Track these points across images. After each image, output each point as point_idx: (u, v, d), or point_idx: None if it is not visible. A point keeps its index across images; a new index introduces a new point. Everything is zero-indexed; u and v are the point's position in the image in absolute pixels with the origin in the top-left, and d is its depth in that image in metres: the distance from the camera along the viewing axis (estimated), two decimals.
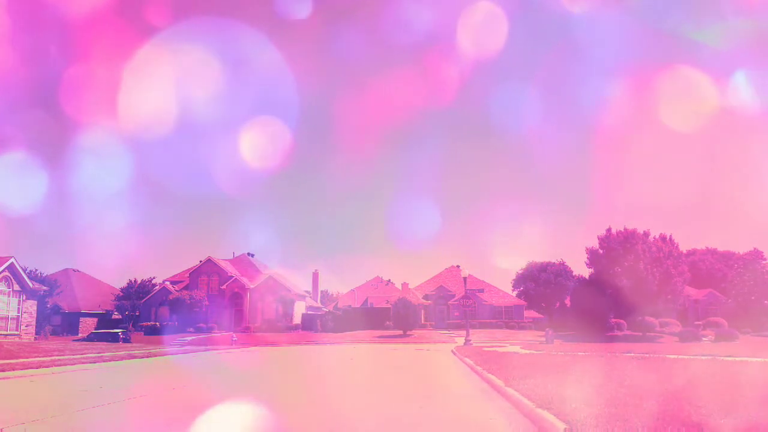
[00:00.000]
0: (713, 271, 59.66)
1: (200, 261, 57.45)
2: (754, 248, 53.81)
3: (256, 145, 41.27)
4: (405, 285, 59.27)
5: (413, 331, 46.75)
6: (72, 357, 20.56)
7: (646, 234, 41.76)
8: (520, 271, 55.83)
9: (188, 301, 50.84)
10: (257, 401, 8.96)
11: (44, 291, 38.87)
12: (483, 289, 58.27)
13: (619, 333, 39.45)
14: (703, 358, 16.54)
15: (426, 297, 58.20)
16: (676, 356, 17.42)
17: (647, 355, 17.79)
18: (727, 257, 61.03)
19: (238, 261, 60.93)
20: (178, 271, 60.60)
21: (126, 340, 38.98)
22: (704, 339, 35.67)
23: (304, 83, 69.36)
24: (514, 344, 30.54)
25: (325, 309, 62.55)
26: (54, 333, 46.64)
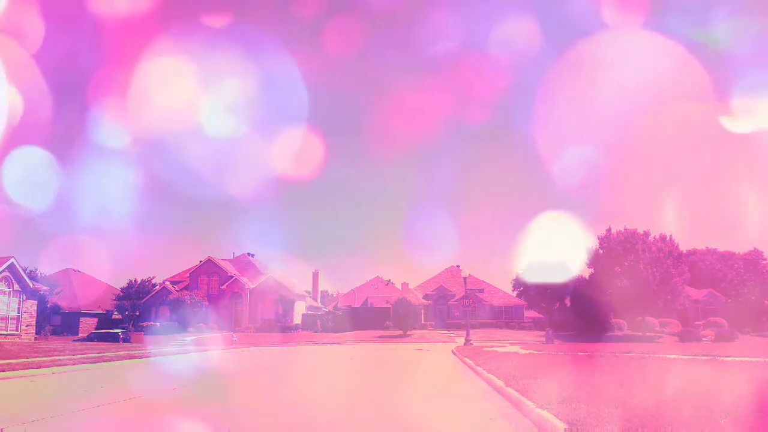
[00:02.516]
0: (713, 271, 59.60)
1: (200, 261, 57.48)
2: (754, 248, 53.79)
3: (256, 145, 41.35)
4: (405, 285, 59.27)
5: (413, 331, 46.75)
6: (72, 357, 20.56)
7: (646, 234, 41.75)
8: (521, 271, 55.74)
9: (188, 301, 50.85)
10: (258, 401, 8.97)
11: (44, 291, 38.87)
12: (483, 289, 58.26)
13: (619, 333, 39.48)
14: (703, 358, 16.53)
15: (426, 297, 58.20)
16: (676, 356, 17.42)
17: (647, 355, 17.79)
18: (727, 257, 60.99)
19: (238, 261, 60.94)
20: (178, 271, 60.65)
21: (126, 340, 38.95)
22: (704, 339, 35.68)
23: (308, 82, 69.47)
24: (514, 344, 30.54)
25: (325, 309, 62.55)
26: (54, 333, 46.65)
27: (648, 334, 39.45)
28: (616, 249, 41.29)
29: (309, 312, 56.59)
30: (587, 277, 45.69)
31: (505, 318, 55.84)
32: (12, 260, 32.07)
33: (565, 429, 5.63)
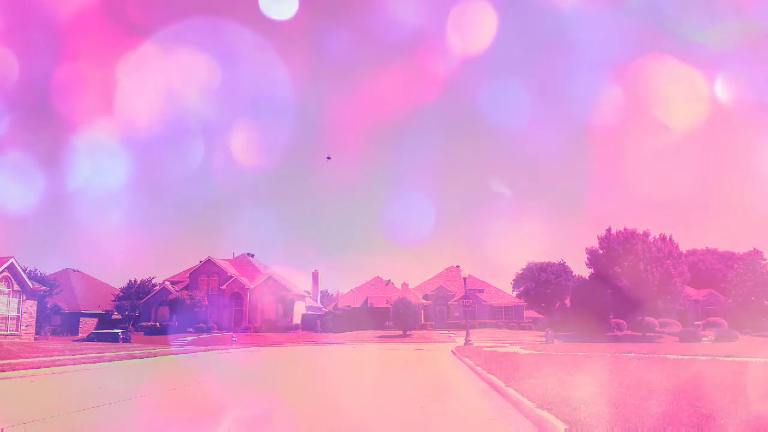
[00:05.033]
0: (713, 271, 59.62)
1: (200, 261, 57.43)
2: (754, 248, 53.73)
3: (257, 145, 41.37)
4: (405, 285, 59.25)
5: (413, 331, 46.74)
6: (72, 357, 20.56)
7: (645, 234, 41.75)
8: (520, 271, 55.76)
9: (188, 301, 50.83)
10: (259, 401, 8.97)
11: (44, 291, 38.86)
12: (483, 289, 58.25)
13: (619, 333, 39.46)
14: (703, 358, 16.54)
15: (426, 297, 58.19)
16: (676, 356, 17.42)
17: (647, 356, 17.79)
18: (727, 257, 61.01)
19: (238, 261, 60.92)
20: (178, 271, 60.60)
21: (126, 341, 38.96)
22: (704, 339, 35.67)
23: (301, 83, 69.47)
24: (514, 344, 30.54)
25: (325, 309, 62.53)
26: (54, 333, 46.64)
27: (648, 334, 39.44)
28: (616, 249, 41.30)
29: (309, 312, 56.58)
30: (587, 277, 45.69)
31: (505, 318, 55.84)
32: (12, 260, 32.05)
33: (565, 429, 5.63)
